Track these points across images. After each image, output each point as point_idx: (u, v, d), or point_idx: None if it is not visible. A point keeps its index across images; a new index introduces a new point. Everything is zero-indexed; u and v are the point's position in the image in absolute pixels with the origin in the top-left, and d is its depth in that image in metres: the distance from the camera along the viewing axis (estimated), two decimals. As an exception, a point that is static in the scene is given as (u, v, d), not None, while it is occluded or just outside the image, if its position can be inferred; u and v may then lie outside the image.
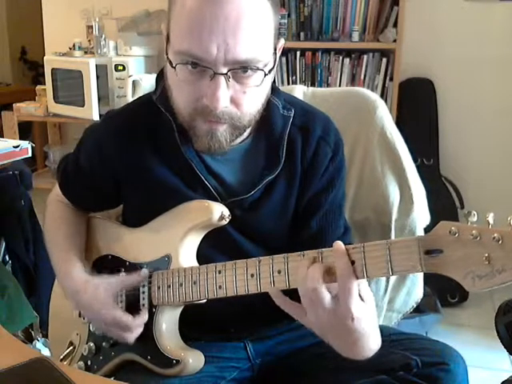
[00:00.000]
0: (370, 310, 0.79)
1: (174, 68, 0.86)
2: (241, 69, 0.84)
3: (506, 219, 0.66)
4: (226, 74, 0.83)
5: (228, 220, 0.95)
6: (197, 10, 0.81)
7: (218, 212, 0.94)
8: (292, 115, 1.00)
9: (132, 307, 0.98)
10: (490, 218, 0.68)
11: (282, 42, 0.93)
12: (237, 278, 0.87)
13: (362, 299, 0.78)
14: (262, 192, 0.98)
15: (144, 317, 0.96)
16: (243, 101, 0.87)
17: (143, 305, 0.97)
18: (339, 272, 0.76)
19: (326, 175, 1.02)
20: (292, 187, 1.00)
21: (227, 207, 0.96)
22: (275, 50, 0.91)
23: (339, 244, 0.78)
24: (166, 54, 0.89)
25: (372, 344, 0.82)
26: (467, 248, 0.69)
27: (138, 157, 1.00)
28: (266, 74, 0.87)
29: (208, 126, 0.88)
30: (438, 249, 0.71)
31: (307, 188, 1.02)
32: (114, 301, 0.97)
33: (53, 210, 1.16)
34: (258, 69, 0.85)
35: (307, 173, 1.01)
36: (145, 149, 0.99)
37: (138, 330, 0.96)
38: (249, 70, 0.85)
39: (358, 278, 0.76)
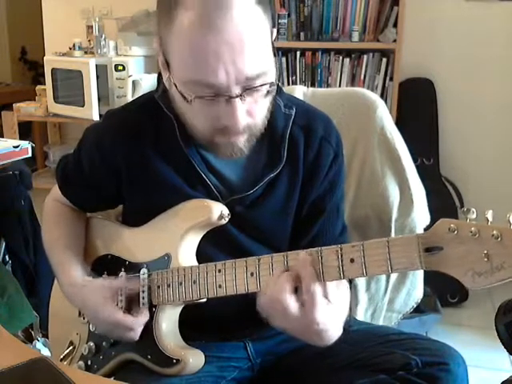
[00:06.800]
0: (334, 310, 0.82)
1: (190, 102, 0.86)
2: (252, 88, 0.85)
3: (506, 218, 0.66)
4: (241, 95, 0.84)
5: (227, 219, 0.95)
6: (199, 41, 0.81)
7: (218, 211, 0.94)
8: (293, 114, 1.01)
9: (132, 307, 0.98)
10: (489, 215, 0.68)
11: (274, 32, 0.93)
12: (236, 277, 0.87)
13: (329, 300, 0.81)
14: (263, 190, 0.99)
15: (145, 314, 0.96)
16: (256, 111, 0.89)
17: (143, 304, 0.97)
18: (304, 282, 0.80)
19: (328, 176, 1.03)
20: (294, 186, 1.01)
21: (228, 205, 0.96)
22: (273, 45, 0.91)
23: (303, 253, 0.81)
24: (170, 81, 0.89)
25: (333, 334, 0.84)
26: (466, 245, 0.69)
27: (139, 154, 1.00)
28: (272, 85, 0.88)
29: (228, 139, 0.90)
30: (437, 246, 0.71)
31: (310, 188, 1.02)
32: (114, 302, 0.97)
33: (51, 211, 1.16)
34: (267, 84, 0.86)
35: (310, 172, 1.01)
36: (146, 146, 1.00)
37: (140, 329, 0.96)
38: (259, 86, 0.86)
39: (344, 277, 0.79)
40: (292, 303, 0.80)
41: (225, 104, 0.85)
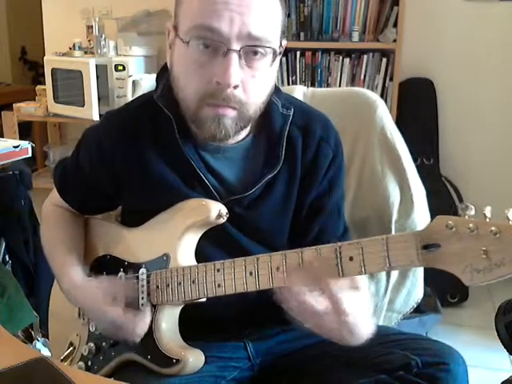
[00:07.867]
0: (361, 301, 0.82)
1: (187, 43, 0.87)
2: (253, 47, 0.86)
3: (505, 215, 0.66)
4: (239, 51, 0.85)
5: (226, 218, 0.95)
6: None
7: (216, 210, 0.94)
8: (291, 114, 1.01)
9: (132, 307, 0.98)
10: (487, 211, 0.67)
11: (284, 42, 0.95)
12: (235, 276, 0.87)
13: (357, 288, 0.80)
14: (261, 190, 0.99)
15: (146, 316, 0.95)
16: (251, 86, 0.89)
17: (142, 304, 0.97)
18: (323, 283, 0.79)
19: (327, 176, 1.03)
20: (292, 186, 1.01)
21: (227, 205, 0.96)
22: (280, 44, 0.93)
23: (310, 251, 0.81)
24: (177, 35, 0.90)
25: (364, 331, 0.84)
26: (464, 242, 0.68)
27: (138, 154, 1.00)
28: (275, 56, 0.90)
29: (215, 112, 0.89)
30: (435, 243, 0.71)
31: (308, 188, 1.02)
32: (114, 301, 0.97)
33: (50, 215, 1.16)
34: (268, 47, 0.88)
35: (308, 173, 1.01)
36: (145, 147, 0.99)
37: (143, 328, 0.95)
38: (259, 52, 0.87)
39: (343, 276, 0.78)
40: (316, 300, 0.79)
41: (221, 58, 0.86)
